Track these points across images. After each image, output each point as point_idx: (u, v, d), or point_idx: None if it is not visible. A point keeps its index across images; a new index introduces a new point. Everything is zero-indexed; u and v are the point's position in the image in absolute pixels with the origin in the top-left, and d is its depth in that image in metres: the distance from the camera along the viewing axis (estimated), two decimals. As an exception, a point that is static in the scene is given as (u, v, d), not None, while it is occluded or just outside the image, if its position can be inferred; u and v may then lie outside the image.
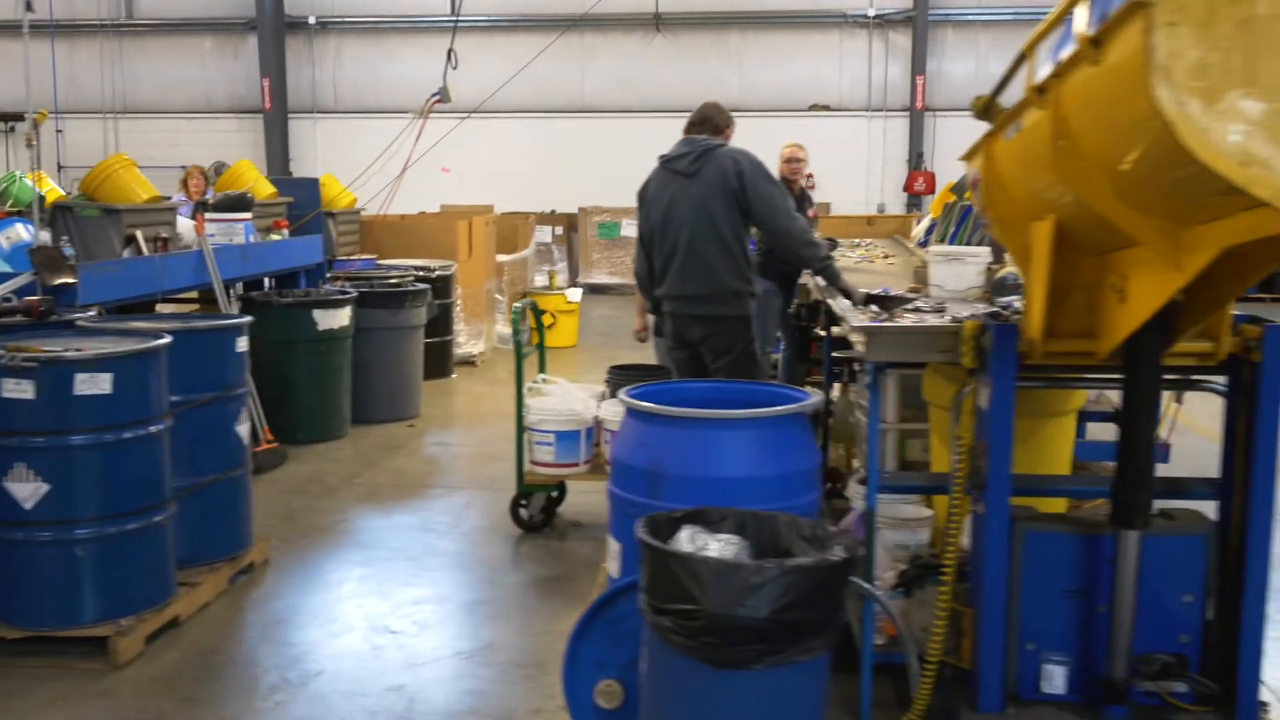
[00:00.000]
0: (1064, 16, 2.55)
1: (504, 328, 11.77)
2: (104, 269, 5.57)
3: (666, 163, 4.84)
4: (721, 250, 4.65)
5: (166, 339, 4.10)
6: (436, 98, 8.20)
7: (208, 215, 7.50)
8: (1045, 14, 2.76)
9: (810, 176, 9.31)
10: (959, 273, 4.87)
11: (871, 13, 17.79)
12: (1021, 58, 2.84)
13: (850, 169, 17.67)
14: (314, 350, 7.23)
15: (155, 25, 19.19)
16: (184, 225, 7.37)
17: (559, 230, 16.72)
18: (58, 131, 19.90)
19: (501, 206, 15.24)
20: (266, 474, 6.43)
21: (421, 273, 9.37)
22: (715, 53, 18.40)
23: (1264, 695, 3.25)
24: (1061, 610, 3.13)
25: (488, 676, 3.85)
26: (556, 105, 18.45)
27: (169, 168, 17.94)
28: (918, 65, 17.65)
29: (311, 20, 18.59)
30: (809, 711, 2.75)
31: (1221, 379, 3.15)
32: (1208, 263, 2.36)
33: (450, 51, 8.29)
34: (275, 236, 7.94)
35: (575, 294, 11.59)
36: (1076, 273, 2.98)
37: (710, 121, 4.93)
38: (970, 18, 17.62)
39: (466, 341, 10.41)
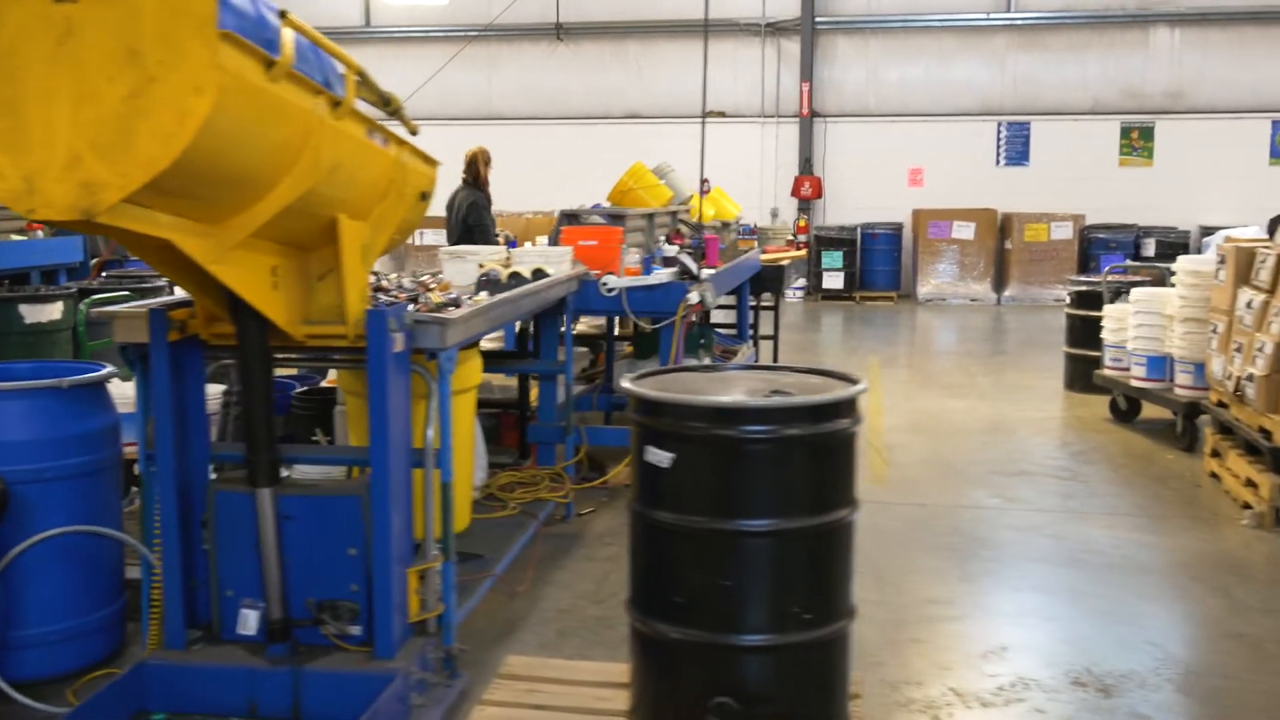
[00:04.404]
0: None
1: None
2: None
3: None
4: None
5: None
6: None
7: (-61, 218, 8.15)
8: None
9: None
10: (462, 269, 5.40)
11: (763, 21, 18.13)
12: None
13: (744, 175, 17.98)
14: (24, 342, 7.80)
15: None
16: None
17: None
18: None
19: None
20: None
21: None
22: (615, 61, 18.86)
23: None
24: (252, 561, 3.57)
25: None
26: (464, 113, 19.00)
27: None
28: (805, 72, 17.96)
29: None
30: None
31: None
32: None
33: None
34: (18, 237, 8.56)
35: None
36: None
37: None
38: (860, 25, 17.89)
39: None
